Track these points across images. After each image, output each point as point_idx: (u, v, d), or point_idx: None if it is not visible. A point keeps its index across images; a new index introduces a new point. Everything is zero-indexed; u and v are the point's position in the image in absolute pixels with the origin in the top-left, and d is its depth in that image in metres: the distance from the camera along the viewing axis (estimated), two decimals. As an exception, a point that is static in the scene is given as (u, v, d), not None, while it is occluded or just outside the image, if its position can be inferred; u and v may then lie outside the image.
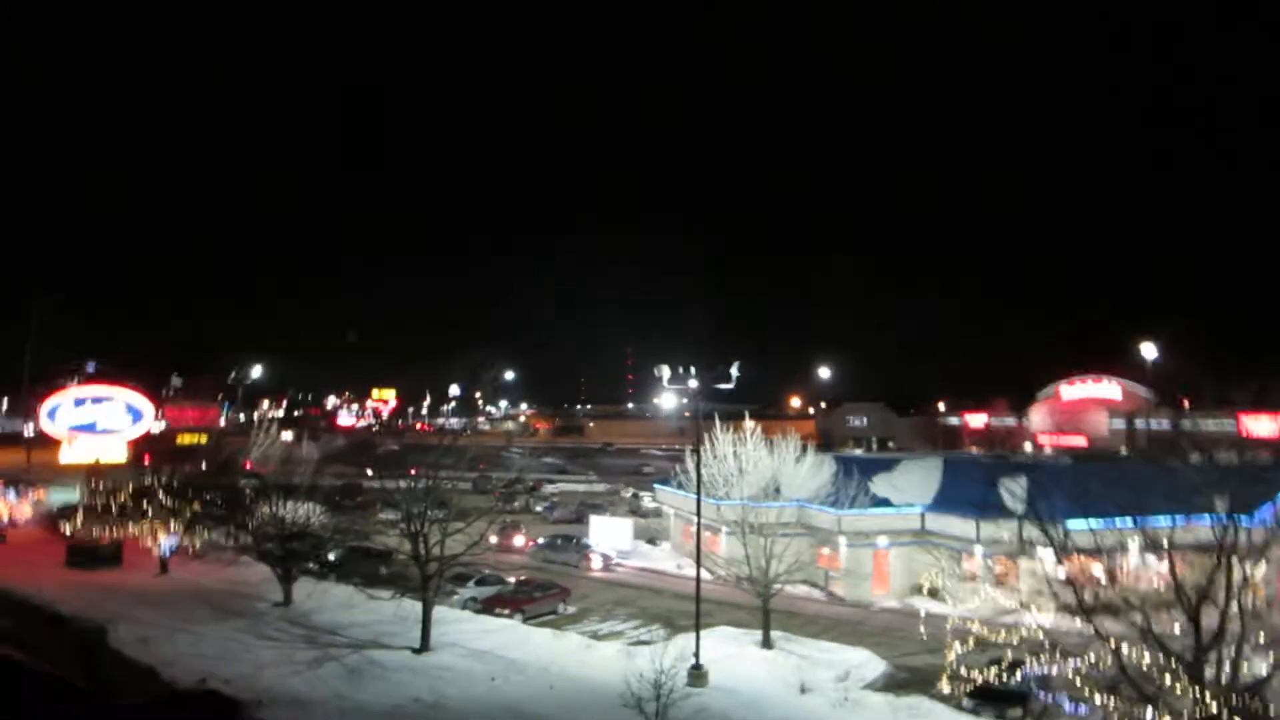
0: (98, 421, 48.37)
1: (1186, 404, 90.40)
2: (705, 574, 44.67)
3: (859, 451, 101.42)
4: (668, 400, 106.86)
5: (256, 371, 71.41)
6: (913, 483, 43.51)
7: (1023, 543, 39.00)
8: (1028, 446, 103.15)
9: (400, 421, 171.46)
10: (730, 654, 29.37)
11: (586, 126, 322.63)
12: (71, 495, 53.78)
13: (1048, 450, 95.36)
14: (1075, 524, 35.05)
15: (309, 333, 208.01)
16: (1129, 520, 27.54)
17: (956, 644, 25.70)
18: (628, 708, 20.73)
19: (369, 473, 35.34)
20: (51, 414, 48.18)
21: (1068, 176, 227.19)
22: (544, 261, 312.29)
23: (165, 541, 37.95)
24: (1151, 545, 20.68)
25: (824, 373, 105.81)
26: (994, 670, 24.87)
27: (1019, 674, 24.22)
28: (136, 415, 49.57)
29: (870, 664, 29.87)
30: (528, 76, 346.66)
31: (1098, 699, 19.56)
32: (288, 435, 58.27)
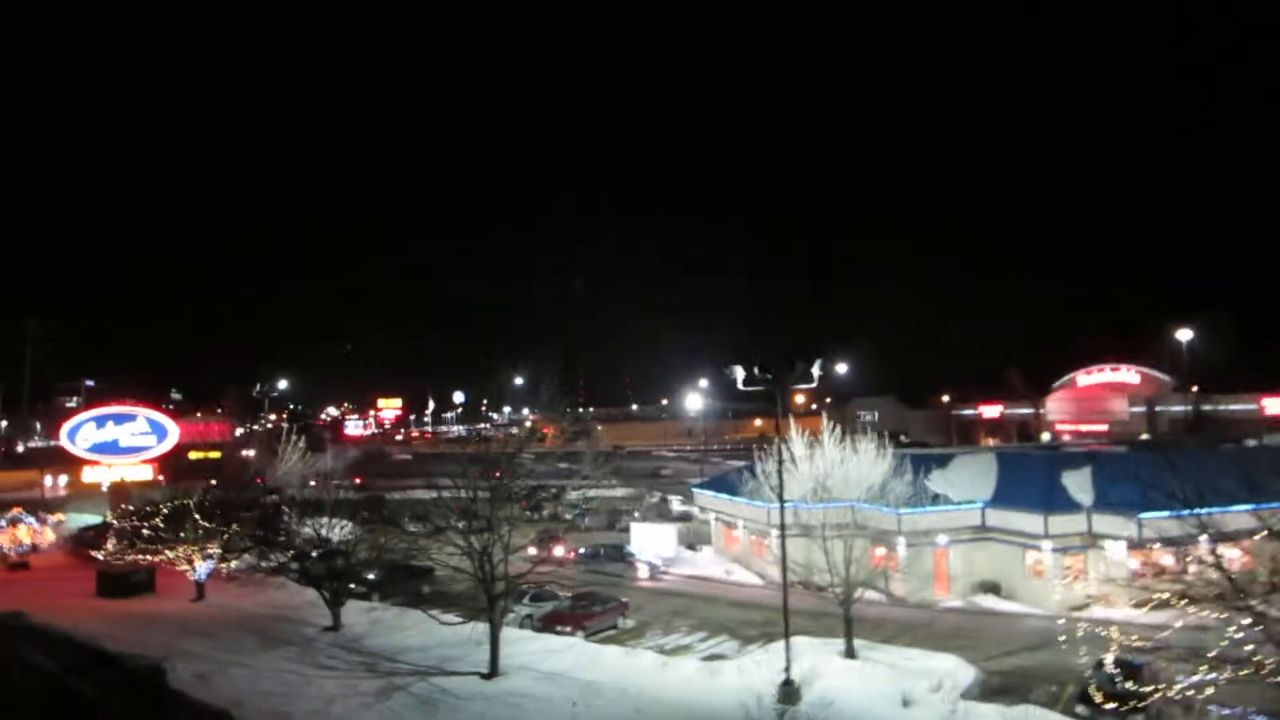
0: (120, 440, 46.70)
1: (1195, 388, 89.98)
2: (757, 579, 43.70)
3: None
4: (693, 402, 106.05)
5: (282, 384, 69.70)
6: (968, 478, 42.21)
7: (1092, 535, 37.93)
8: (1045, 436, 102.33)
9: (404, 430, 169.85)
10: (815, 666, 27.82)
11: (582, 121, 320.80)
12: (91, 518, 52.00)
13: (1066, 438, 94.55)
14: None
15: (305, 345, 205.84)
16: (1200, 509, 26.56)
17: (1069, 646, 24.27)
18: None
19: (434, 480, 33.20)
20: (72, 434, 46.48)
21: (1058, 162, 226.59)
22: (540, 266, 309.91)
23: (201, 566, 36.20)
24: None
25: (841, 368, 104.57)
26: (1103, 673, 23.37)
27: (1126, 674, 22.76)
28: (161, 433, 47.87)
29: (961, 671, 28.44)
30: (510, 77, 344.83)
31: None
32: (302, 448, 56.34)
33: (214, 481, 43.90)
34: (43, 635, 28.59)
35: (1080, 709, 23.85)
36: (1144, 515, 35.10)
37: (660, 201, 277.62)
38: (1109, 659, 20.13)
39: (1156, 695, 17.54)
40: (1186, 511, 19.54)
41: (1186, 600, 20.33)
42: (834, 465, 33.11)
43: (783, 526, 26.96)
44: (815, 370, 26.19)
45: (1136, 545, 36.09)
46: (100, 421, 47.35)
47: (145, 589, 37.39)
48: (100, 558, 38.21)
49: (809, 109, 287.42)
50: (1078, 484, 39.20)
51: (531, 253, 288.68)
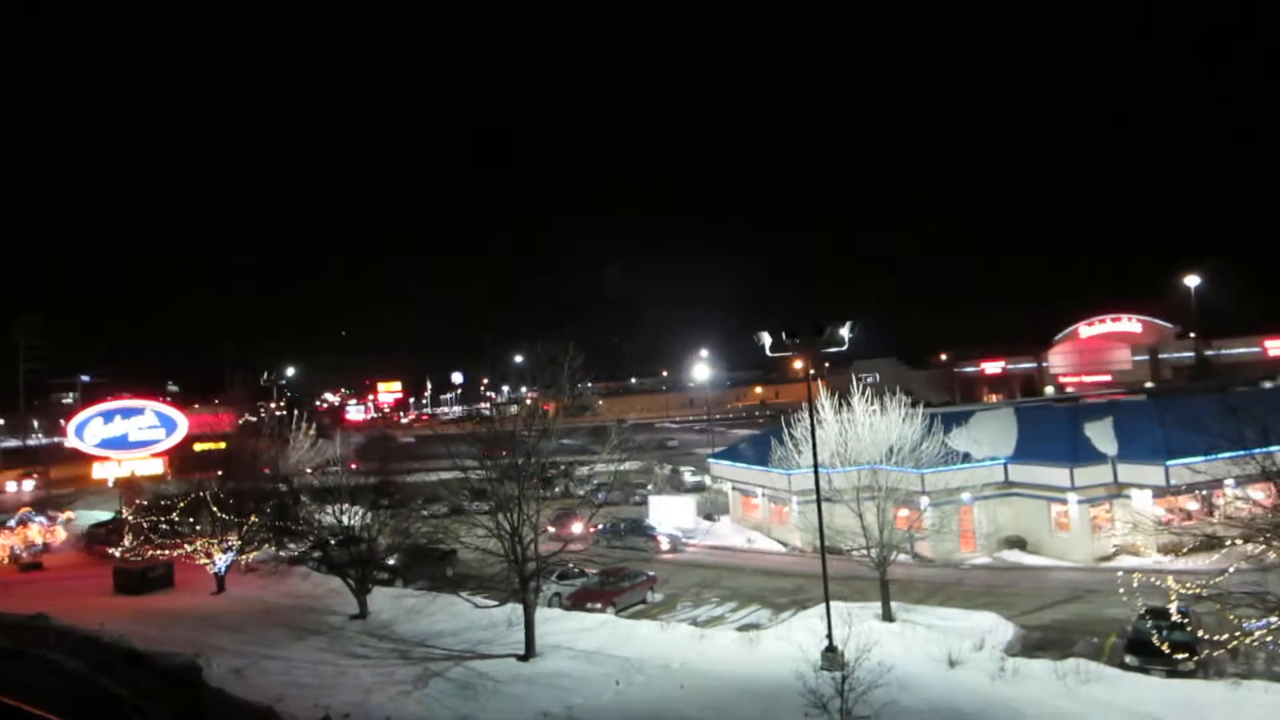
0: (129, 434, 45.92)
1: (1192, 335, 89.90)
2: (779, 547, 43.41)
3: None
4: (700, 372, 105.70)
5: (290, 371, 68.82)
6: (989, 435, 41.85)
7: (1119, 485, 37.62)
8: (1049, 389, 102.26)
9: (404, 413, 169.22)
10: (854, 631, 27.39)
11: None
12: (101, 514, 51.31)
13: (1069, 390, 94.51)
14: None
15: (298, 332, 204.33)
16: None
17: (1111, 596, 23.89)
18: (815, 708, 18.76)
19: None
20: (80, 430, 45.65)
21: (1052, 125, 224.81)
22: (533, 243, 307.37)
23: (220, 558, 35.63)
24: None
25: (843, 331, 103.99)
26: (1160, 621, 23.02)
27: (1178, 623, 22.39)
28: (170, 426, 47.09)
29: (1000, 628, 28.15)
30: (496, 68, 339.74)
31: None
32: (312, 435, 55.59)
33: (220, 473, 43.23)
34: (68, 636, 27.93)
35: (1129, 659, 23.54)
36: (1171, 462, 34.82)
37: (660, 200, 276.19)
38: (1172, 608, 19.71)
39: (1231, 642, 17.10)
40: (1242, 453, 19.11)
41: (1231, 542, 19.99)
42: (864, 429, 32.55)
43: (818, 491, 26.51)
44: (845, 333, 25.52)
45: (1164, 492, 35.85)
46: (108, 416, 46.46)
47: (164, 584, 36.78)
48: (115, 554, 37.54)
49: (809, 109, 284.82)
50: (1101, 434, 38.89)
51: (528, 246, 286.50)
